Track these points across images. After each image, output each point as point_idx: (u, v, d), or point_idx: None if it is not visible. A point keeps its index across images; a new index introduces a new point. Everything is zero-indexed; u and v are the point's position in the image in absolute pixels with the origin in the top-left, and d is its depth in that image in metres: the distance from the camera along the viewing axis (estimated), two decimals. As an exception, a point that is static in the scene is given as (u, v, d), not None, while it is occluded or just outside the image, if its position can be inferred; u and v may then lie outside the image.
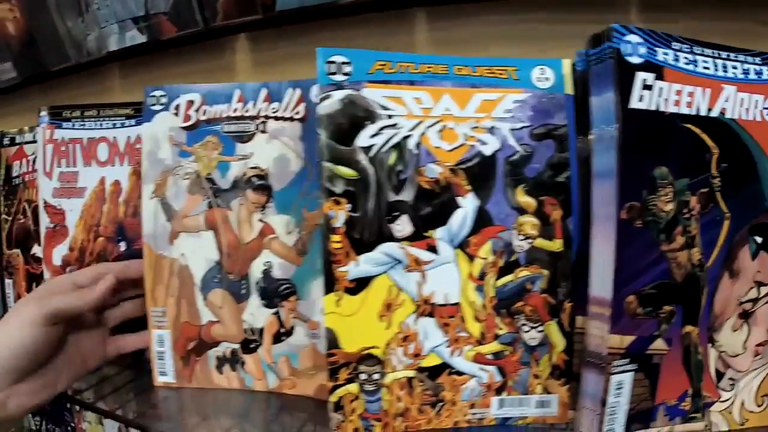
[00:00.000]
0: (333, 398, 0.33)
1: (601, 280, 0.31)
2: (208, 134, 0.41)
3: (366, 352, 0.33)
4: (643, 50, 0.30)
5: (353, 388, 0.33)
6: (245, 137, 0.41)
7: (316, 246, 0.39)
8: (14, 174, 0.54)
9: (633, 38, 0.30)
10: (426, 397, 0.34)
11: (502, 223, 0.34)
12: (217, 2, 0.43)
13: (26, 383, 0.35)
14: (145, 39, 0.47)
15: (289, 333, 0.41)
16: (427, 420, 0.35)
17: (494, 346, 0.34)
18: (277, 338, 0.41)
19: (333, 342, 0.33)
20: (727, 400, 0.33)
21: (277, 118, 0.40)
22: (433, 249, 0.33)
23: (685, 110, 0.31)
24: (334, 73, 0.32)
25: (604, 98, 0.31)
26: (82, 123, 0.47)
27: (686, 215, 0.32)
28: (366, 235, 0.32)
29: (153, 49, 0.49)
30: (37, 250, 0.54)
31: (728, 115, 0.32)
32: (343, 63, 0.32)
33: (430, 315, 0.34)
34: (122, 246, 0.47)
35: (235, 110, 0.41)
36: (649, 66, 0.30)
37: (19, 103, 0.62)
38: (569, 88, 0.34)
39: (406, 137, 0.33)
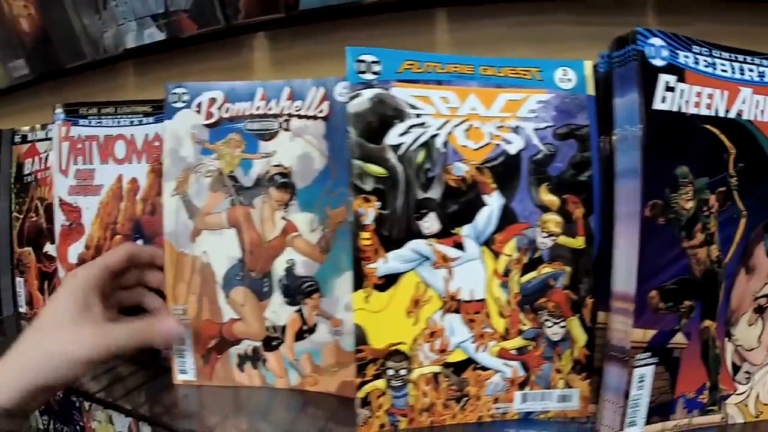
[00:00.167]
0: (360, 394, 0.34)
1: (624, 276, 0.32)
2: (230, 132, 0.41)
3: (393, 348, 0.34)
4: (665, 53, 0.31)
5: (380, 383, 0.34)
6: (268, 135, 0.41)
7: (339, 243, 0.39)
8: (26, 172, 0.54)
9: (656, 41, 0.31)
10: (451, 392, 0.35)
11: (527, 221, 0.34)
12: (239, 1, 0.43)
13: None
14: (164, 36, 0.47)
15: (311, 330, 0.41)
16: (452, 415, 0.35)
17: (518, 342, 0.35)
18: (300, 336, 0.41)
19: (361, 338, 0.33)
20: (743, 393, 0.35)
21: (300, 117, 0.40)
22: (459, 246, 0.34)
23: (704, 111, 0.32)
24: (363, 72, 0.33)
25: (628, 99, 0.32)
26: (99, 120, 0.46)
27: (705, 213, 0.33)
28: (395, 232, 0.33)
29: (170, 47, 0.49)
30: (49, 248, 0.53)
31: (745, 117, 0.33)
32: (373, 62, 0.33)
33: (456, 311, 0.34)
34: (139, 244, 0.46)
35: (258, 108, 0.41)
36: (672, 68, 0.31)
37: (30, 101, 0.62)
38: (591, 89, 0.35)
39: (434, 136, 0.34)
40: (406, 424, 0.35)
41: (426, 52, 0.34)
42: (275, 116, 0.41)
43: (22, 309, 0.57)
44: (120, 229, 0.47)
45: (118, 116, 0.46)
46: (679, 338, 0.33)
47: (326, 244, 0.40)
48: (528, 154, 0.34)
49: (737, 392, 0.34)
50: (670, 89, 0.31)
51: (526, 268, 0.35)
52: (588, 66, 0.35)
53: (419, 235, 0.33)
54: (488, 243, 0.34)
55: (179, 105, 0.42)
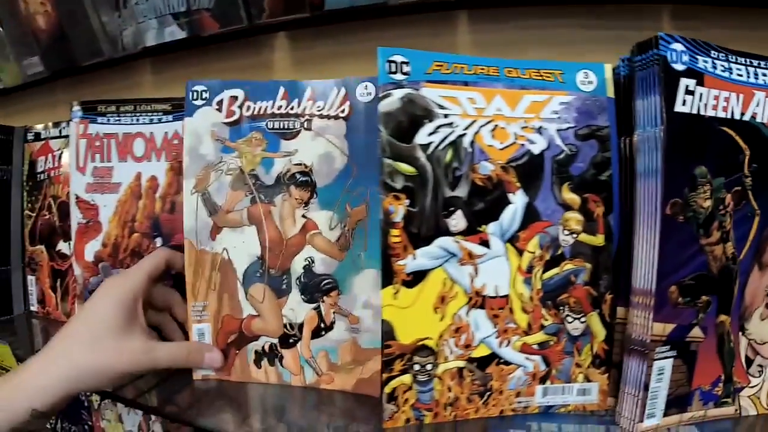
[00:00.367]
0: (387, 389, 0.34)
1: (644, 272, 0.33)
2: (251, 130, 0.41)
3: (420, 343, 0.34)
4: (686, 58, 0.32)
5: (407, 378, 0.34)
6: (290, 134, 0.41)
7: (358, 242, 0.40)
8: (39, 170, 0.53)
9: (677, 46, 0.32)
10: (475, 387, 0.36)
11: (549, 219, 0.35)
12: (264, 0, 0.44)
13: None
14: (185, 35, 0.47)
15: (329, 328, 0.41)
16: (475, 409, 0.36)
17: (540, 337, 0.36)
18: (317, 333, 0.42)
19: (389, 334, 0.34)
20: (756, 385, 0.36)
21: (321, 116, 0.41)
22: (485, 243, 0.35)
23: (721, 114, 0.33)
24: (394, 72, 0.33)
25: (649, 102, 0.33)
26: (117, 118, 0.46)
27: (722, 211, 0.34)
28: (423, 229, 0.34)
29: (190, 45, 0.49)
30: (62, 246, 0.53)
31: (758, 119, 0.35)
32: (403, 62, 0.33)
33: (481, 307, 0.35)
34: (158, 242, 0.46)
35: (280, 107, 0.41)
36: (691, 73, 0.32)
37: (44, 98, 0.61)
38: (610, 91, 0.36)
39: (461, 136, 0.34)
40: (430, 419, 0.35)
41: (448, 53, 0.35)
42: (297, 116, 0.41)
43: (34, 307, 0.57)
44: (138, 227, 0.47)
45: (137, 114, 0.46)
46: (696, 332, 0.34)
47: (346, 242, 0.41)
48: (551, 154, 0.35)
49: (750, 385, 0.36)
50: (690, 92, 0.32)
51: (549, 265, 0.36)
52: (608, 69, 0.36)
53: (446, 232, 0.34)
54: (512, 240, 0.35)
55: (199, 102, 0.42)
